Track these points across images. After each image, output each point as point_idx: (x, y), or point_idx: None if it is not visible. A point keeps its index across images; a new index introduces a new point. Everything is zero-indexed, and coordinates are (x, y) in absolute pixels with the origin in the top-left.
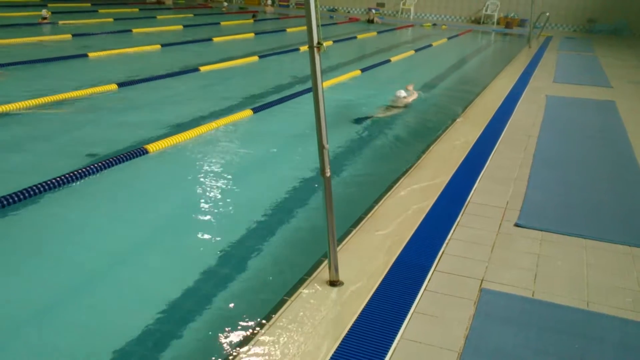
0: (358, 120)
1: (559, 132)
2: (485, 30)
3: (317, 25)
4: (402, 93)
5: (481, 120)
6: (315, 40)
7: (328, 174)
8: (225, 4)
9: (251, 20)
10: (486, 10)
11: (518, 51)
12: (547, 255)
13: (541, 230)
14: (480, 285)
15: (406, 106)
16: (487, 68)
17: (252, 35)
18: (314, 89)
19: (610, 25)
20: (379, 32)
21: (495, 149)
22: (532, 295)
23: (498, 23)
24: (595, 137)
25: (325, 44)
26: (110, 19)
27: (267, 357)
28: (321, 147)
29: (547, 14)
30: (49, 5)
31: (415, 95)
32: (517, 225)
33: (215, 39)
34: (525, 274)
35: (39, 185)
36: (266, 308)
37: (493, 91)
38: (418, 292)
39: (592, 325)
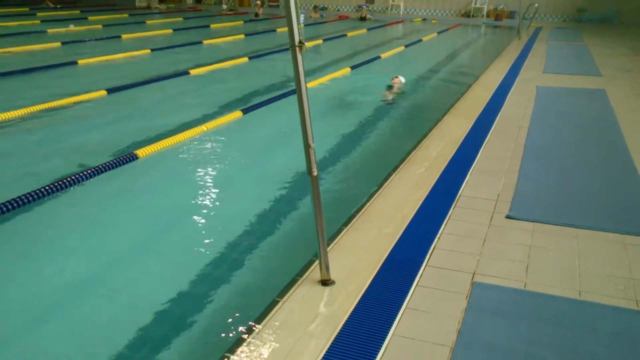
0: (348, 116)
1: (549, 122)
2: (475, 24)
3: (299, 25)
4: (402, 79)
5: (472, 112)
6: (297, 40)
7: (315, 173)
8: (225, 6)
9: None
10: (475, 4)
11: (508, 43)
12: (538, 246)
13: (532, 222)
14: (472, 279)
15: (398, 91)
16: (477, 61)
17: (242, 36)
18: (297, 89)
19: (600, 14)
20: (369, 29)
21: (486, 141)
22: (524, 287)
23: (488, 16)
24: (585, 125)
25: (315, 42)
26: (100, 26)
27: (259, 359)
28: (307, 147)
29: (536, 4)
30: (38, 14)
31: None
32: (508, 217)
33: (206, 42)
34: (516, 266)
35: (30, 194)
36: (258, 309)
37: (483, 83)
38: (410, 288)
39: (585, 314)
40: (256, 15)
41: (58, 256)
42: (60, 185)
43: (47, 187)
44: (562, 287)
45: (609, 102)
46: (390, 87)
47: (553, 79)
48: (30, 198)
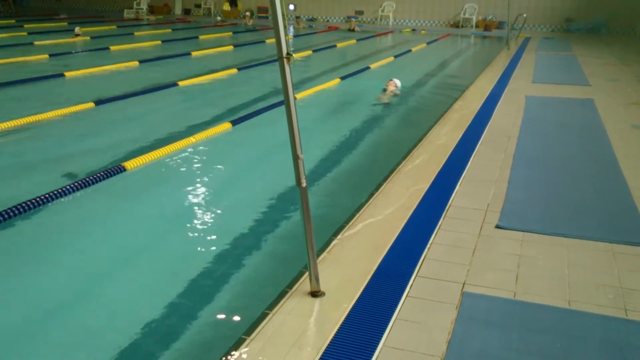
0: (338, 127)
1: (538, 132)
2: (464, 34)
3: (286, 36)
4: (397, 82)
5: (461, 122)
6: (285, 51)
7: (304, 184)
8: (219, 18)
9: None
10: (464, 14)
11: (497, 53)
12: (528, 256)
13: (522, 231)
14: (462, 289)
15: (395, 95)
16: (466, 71)
17: (230, 47)
18: (285, 100)
19: (588, 24)
20: (358, 40)
21: (475, 151)
22: (514, 297)
23: (477, 26)
24: (574, 135)
25: (305, 53)
26: (87, 38)
27: None
28: (295, 158)
29: (525, 15)
30: (25, 26)
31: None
32: (498, 227)
33: (194, 53)
34: (506, 276)
35: (15, 207)
36: (247, 322)
37: (473, 93)
38: (400, 299)
39: (574, 323)
40: (245, 24)
41: (46, 269)
42: (47, 198)
43: (33, 200)
44: (551, 296)
45: (597, 112)
46: (384, 90)
47: (542, 89)
48: (16, 211)
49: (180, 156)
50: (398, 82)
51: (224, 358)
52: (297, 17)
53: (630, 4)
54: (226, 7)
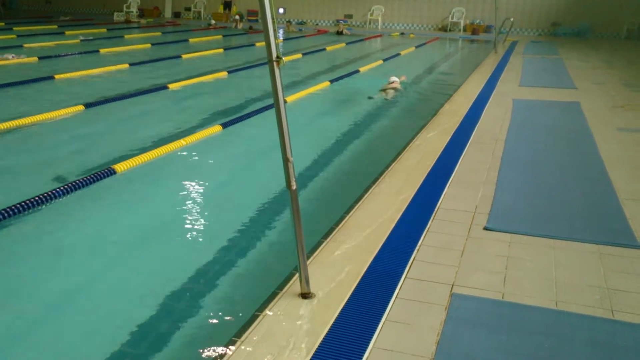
0: (327, 130)
1: (525, 134)
2: (452, 38)
3: (276, 39)
4: (394, 78)
5: (450, 125)
6: (274, 54)
7: (294, 187)
8: (213, 21)
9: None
10: (452, 18)
11: (485, 57)
12: (516, 257)
13: (510, 233)
14: (451, 290)
15: (395, 90)
16: (455, 74)
17: (221, 50)
18: (275, 103)
19: (574, 28)
20: (347, 44)
21: (463, 153)
22: (502, 298)
23: (464, 30)
24: (561, 137)
25: (295, 56)
26: (77, 40)
27: None
28: (285, 160)
29: (512, 19)
30: (14, 28)
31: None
32: (486, 228)
33: (184, 56)
34: (495, 277)
35: (5, 210)
36: (237, 324)
37: (461, 96)
38: (389, 300)
39: (562, 324)
40: (235, 27)
41: (34, 273)
42: (36, 201)
43: (22, 203)
44: (539, 297)
45: (583, 115)
46: (384, 91)
47: (529, 92)
48: (5, 214)
49: (170, 159)
50: (397, 80)
51: None
52: (288, 22)
53: (614, 9)
54: (221, 9)
